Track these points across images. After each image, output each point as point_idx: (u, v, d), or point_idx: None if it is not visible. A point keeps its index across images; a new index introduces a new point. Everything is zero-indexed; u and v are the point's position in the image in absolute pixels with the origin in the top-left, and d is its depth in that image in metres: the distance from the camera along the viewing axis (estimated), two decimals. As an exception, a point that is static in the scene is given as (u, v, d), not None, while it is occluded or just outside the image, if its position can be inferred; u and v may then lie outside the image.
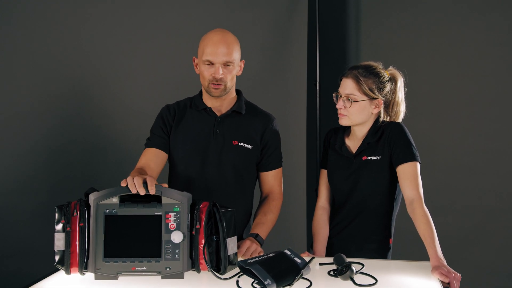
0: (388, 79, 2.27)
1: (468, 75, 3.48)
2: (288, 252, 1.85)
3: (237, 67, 2.36)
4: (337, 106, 2.28)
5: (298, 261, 1.81)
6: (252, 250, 2.17)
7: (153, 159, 2.35)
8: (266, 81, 3.69)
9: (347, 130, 2.40)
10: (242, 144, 2.38)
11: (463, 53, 3.48)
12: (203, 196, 1.93)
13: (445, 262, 1.94)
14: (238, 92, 2.51)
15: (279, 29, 3.79)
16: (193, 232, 1.87)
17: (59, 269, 1.89)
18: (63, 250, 1.83)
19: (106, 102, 3.37)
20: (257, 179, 2.52)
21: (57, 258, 1.84)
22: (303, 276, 1.82)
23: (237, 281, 1.81)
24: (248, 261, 1.82)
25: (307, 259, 1.87)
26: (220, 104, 2.42)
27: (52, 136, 3.42)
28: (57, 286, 1.82)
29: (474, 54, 3.45)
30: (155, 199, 1.88)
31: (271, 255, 1.86)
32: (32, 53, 3.27)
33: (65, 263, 1.83)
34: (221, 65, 2.28)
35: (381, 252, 2.29)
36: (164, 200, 1.87)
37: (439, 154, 3.55)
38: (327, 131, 2.47)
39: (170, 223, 1.86)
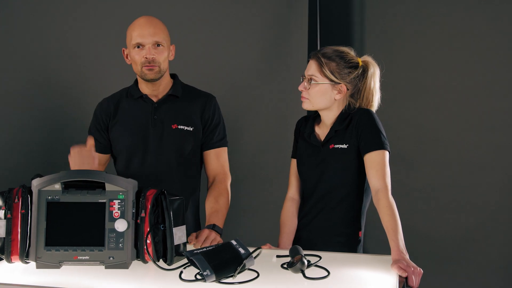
0: (355, 65, 2.16)
1: (477, 66, 3.33)
2: (234, 243, 1.76)
3: (168, 50, 2.36)
4: (299, 88, 2.19)
5: (242, 251, 1.72)
6: (211, 239, 2.08)
7: (102, 160, 2.42)
8: (265, 74, 3.59)
9: (317, 118, 2.29)
10: (181, 127, 2.36)
11: (472, 44, 3.33)
12: (147, 185, 1.86)
13: (406, 256, 1.82)
14: (174, 76, 2.48)
15: (279, 20, 3.68)
16: (138, 221, 1.79)
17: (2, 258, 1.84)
18: (4, 238, 1.77)
19: (90, 98, 3.35)
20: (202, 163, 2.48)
21: (-3, 245, 1.79)
22: (250, 268, 1.73)
23: (181, 272, 1.72)
24: (195, 251, 1.73)
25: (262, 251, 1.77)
26: (156, 90, 2.40)
27: (35, 131, 3.47)
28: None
29: (483, 45, 3.30)
30: (100, 186, 1.81)
31: (218, 245, 1.78)
32: (17, 49, 3.32)
33: (5, 251, 1.77)
34: (151, 45, 2.27)
35: (349, 245, 2.17)
36: (108, 187, 1.79)
37: (446, 150, 3.41)
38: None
39: (114, 211, 1.79)
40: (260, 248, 1.77)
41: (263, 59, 3.58)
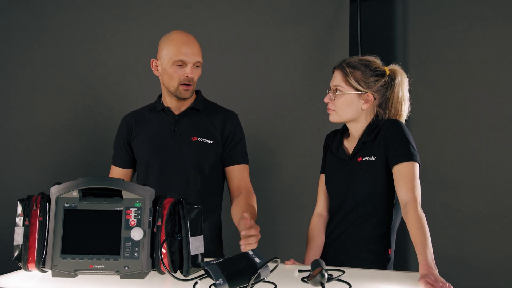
0: (382, 73, 2.09)
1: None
2: (251, 252, 1.68)
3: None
4: (324, 100, 2.14)
5: (258, 261, 1.64)
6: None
7: (123, 175, 2.46)
8: (306, 98, 3.53)
9: (346, 131, 2.23)
10: (201, 139, 2.34)
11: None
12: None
13: (435, 271, 1.71)
14: (197, 92, 2.48)
15: (320, 45, 3.63)
16: (155, 230, 1.75)
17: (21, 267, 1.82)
18: (21, 245, 1.76)
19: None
20: (225, 179, 2.45)
21: (15, 253, 1.78)
22: (268, 280, 1.66)
23: (195, 283, 1.67)
24: (211, 262, 1.67)
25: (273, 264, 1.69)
26: (181, 104, 2.40)
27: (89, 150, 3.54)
28: (14, 283, 1.74)
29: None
30: (118, 195, 1.78)
31: (234, 256, 1.71)
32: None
33: (23, 258, 1.75)
34: (192, 64, 2.29)
35: (379, 263, 2.07)
36: (125, 195, 1.76)
37: (492, 176, 3.24)
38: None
39: (130, 219, 1.75)
40: (277, 258, 1.67)
41: (303, 82, 3.53)
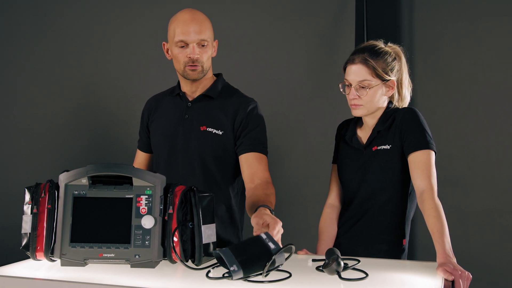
0: (394, 56, 2.06)
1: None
2: (264, 236, 1.62)
3: (212, 48, 2.22)
4: (350, 97, 2.05)
5: (272, 246, 1.59)
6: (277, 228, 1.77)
7: (145, 160, 2.42)
8: (311, 92, 3.50)
9: (359, 121, 2.18)
10: (210, 129, 2.21)
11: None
12: None
13: (453, 260, 1.68)
14: (218, 75, 2.34)
15: (325, 40, 3.60)
16: (166, 218, 1.71)
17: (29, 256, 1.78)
18: (29, 233, 1.72)
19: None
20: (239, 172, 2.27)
21: (23, 241, 1.74)
22: (282, 269, 1.62)
23: (208, 271, 1.62)
24: (224, 248, 1.63)
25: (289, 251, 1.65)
26: (195, 88, 2.27)
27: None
28: (22, 272, 1.70)
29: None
30: (128, 182, 1.74)
31: (246, 239, 1.66)
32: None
33: (31, 247, 1.71)
34: (195, 44, 2.15)
35: (392, 254, 2.03)
36: (136, 182, 1.72)
37: (500, 172, 3.19)
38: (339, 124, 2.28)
39: (141, 207, 1.71)
40: (292, 245, 1.62)
41: (308, 76, 3.50)
